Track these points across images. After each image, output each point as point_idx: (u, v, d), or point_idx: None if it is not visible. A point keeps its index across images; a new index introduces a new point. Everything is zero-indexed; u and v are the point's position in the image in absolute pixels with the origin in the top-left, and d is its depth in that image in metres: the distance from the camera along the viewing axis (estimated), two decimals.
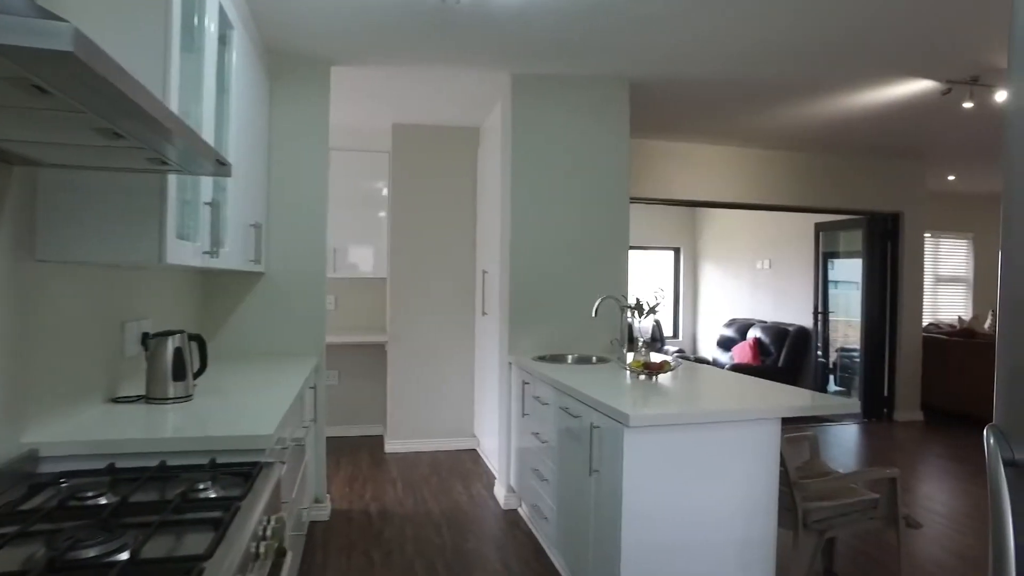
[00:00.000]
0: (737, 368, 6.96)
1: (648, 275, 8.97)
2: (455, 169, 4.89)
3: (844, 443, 5.30)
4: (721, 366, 7.46)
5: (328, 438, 5.03)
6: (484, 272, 4.51)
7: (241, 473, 1.47)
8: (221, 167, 1.51)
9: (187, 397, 2.06)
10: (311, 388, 3.08)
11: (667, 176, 5.46)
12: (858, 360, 6.44)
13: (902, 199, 6.06)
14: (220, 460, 1.55)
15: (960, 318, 7.75)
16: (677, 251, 9.16)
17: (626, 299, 3.60)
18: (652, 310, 3.00)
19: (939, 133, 4.94)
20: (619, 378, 2.75)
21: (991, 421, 0.94)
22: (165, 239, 1.61)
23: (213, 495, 1.35)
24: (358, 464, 4.47)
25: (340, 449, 4.83)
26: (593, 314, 3.37)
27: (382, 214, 5.06)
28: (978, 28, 3.00)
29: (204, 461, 1.53)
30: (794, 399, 2.28)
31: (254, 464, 1.53)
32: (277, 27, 3.01)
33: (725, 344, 7.87)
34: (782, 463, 2.20)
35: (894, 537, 2.62)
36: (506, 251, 3.69)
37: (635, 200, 5.18)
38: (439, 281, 4.87)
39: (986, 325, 7.69)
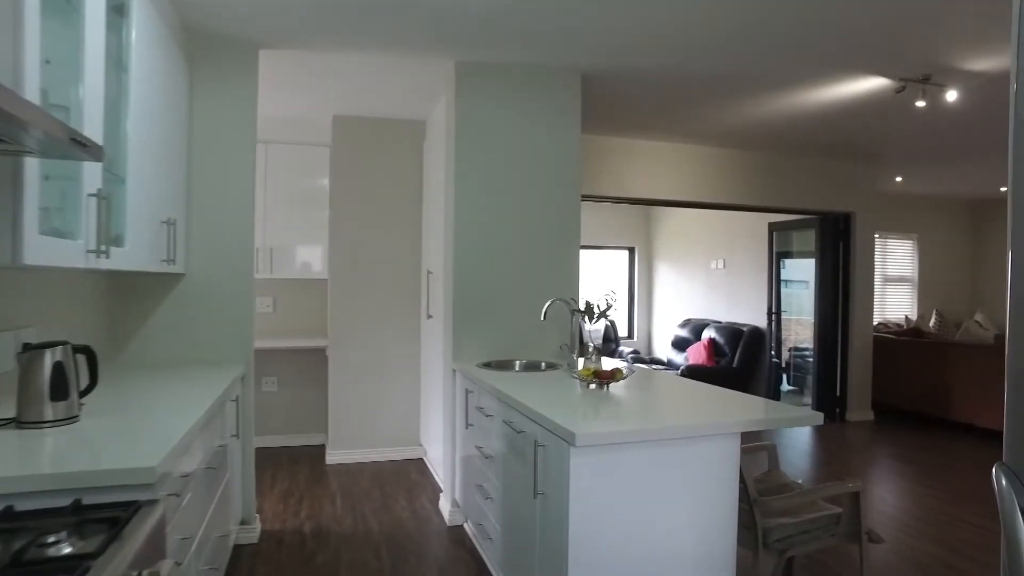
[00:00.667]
0: (692, 369, 6.88)
1: (602, 275, 8.85)
2: (400, 164, 4.64)
3: (799, 446, 5.24)
4: (676, 367, 7.38)
5: (266, 449, 4.74)
6: (429, 272, 4.28)
7: (109, 518, 1.21)
8: (85, 148, 1.25)
9: (70, 419, 1.78)
10: (233, 401, 2.80)
11: (621, 173, 5.31)
12: (811, 360, 6.42)
13: (854, 200, 6.07)
14: (88, 500, 1.29)
15: (907, 317, 7.86)
16: (632, 250, 9.07)
17: (577, 302, 3.41)
18: (603, 314, 2.82)
19: (891, 134, 4.92)
20: (567, 388, 2.56)
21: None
22: (22, 236, 1.34)
23: (67, 550, 1.09)
24: (296, 477, 4.18)
25: (278, 461, 4.54)
26: (542, 317, 3.18)
27: (327, 211, 4.77)
28: (931, 26, 2.94)
29: (66, 502, 1.27)
30: (754, 412, 2.12)
31: (130, 504, 1.28)
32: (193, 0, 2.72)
33: (680, 345, 7.81)
34: (741, 479, 2.05)
35: (854, 551, 2.50)
36: (450, 250, 3.47)
37: (587, 198, 5.02)
38: (383, 282, 4.62)
39: (931, 324, 7.82)
